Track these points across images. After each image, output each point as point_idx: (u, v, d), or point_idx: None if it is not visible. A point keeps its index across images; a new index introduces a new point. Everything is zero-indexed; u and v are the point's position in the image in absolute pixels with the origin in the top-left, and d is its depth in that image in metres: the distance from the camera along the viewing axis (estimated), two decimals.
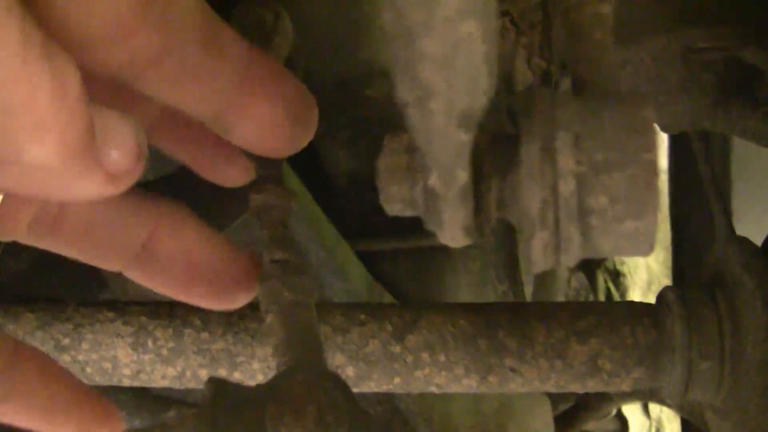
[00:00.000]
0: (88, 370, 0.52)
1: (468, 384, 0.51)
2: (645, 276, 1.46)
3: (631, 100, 0.32)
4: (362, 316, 0.51)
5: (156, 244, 0.41)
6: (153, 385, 0.51)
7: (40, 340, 0.51)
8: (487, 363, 0.50)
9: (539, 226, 0.31)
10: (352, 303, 0.53)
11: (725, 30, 0.55)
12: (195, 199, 0.44)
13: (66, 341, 0.51)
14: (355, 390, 0.35)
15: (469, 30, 0.25)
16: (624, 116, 0.31)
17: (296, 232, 0.71)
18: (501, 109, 0.60)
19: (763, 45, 0.54)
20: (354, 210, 0.79)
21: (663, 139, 1.00)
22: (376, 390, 0.51)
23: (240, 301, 0.42)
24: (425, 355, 0.50)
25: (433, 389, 0.51)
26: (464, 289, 0.83)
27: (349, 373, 0.50)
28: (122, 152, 0.32)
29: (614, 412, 1.17)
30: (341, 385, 0.34)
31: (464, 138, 0.29)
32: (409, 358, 0.50)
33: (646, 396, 0.83)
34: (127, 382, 0.52)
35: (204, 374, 0.50)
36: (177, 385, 0.51)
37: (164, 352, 0.50)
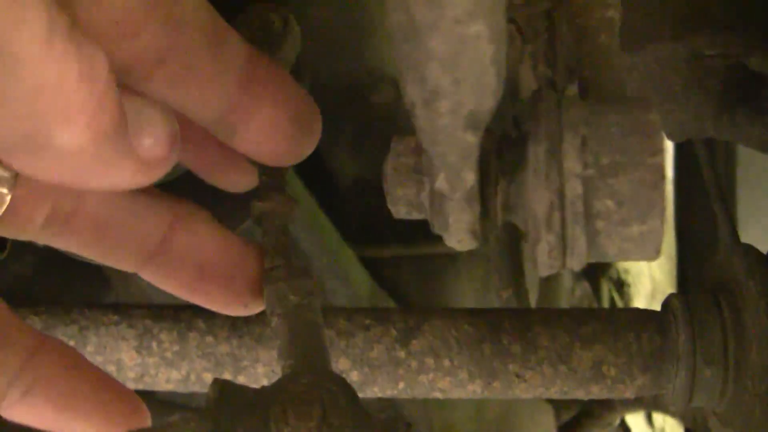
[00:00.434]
0: None
1: (472, 389, 0.51)
2: (649, 285, 1.46)
3: (638, 103, 0.32)
4: (367, 321, 0.51)
5: (171, 244, 0.40)
6: (157, 388, 0.51)
7: None
8: (492, 368, 0.50)
9: (545, 229, 0.31)
10: (357, 308, 0.53)
11: (731, 37, 0.55)
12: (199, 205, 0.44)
13: (71, 344, 0.51)
14: (359, 395, 0.35)
15: (477, 31, 0.25)
16: (630, 119, 0.31)
17: (300, 237, 0.71)
18: (506, 116, 0.60)
19: None
20: (358, 216, 0.79)
21: (668, 148, 1.00)
22: (380, 395, 0.51)
23: (252, 307, 0.42)
24: (430, 360, 0.50)
25: (437, 394, 0.51)
26: (468, 295, 0.83)
27: (353, 377, 0.50)
28: (155, 140, 0.32)
29: (618, 421, 1.17)
30: (346, 388, 0.34)
31: (471, 139, 0.29)
32: (414, 363, 0.50)
33: (649, 405, 0.83)
34: (131, 385, 0.52)
35: (208, 378, 0.50)
36: (181, 389, 0.51)
37: (169, 355, 0.50)
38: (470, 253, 0.81)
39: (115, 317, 0.51)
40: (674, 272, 1.31)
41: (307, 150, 0.40)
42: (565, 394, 0.51)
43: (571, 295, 1.17)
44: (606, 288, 1.39)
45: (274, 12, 0.43)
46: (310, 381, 0.33)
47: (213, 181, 0.43)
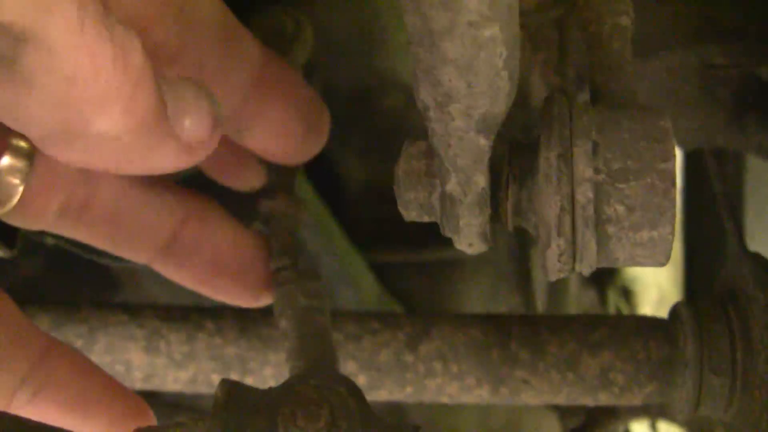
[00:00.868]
0: None
1: (479, 395, 0.51)
2: (656, 294, 1.46)
3: (649, 109, 0.32)
4: (375, 325, 0.51)
5: (183, 237, 0.41)
6: (165, 389, 0.51)
7: None
8: (499, 374, 0.50)
9: (556, 234, 0.32)
10: (365, 311, 0.53)
11: (742, 47, 0.55)
12: None
13: (79, 343, 0.51)
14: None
15: (491, 35, 0.25)
16: (642, 125, 0.31)
17: (308, 241, 0.71)
18: (516, 123, 0.61)
19: None
20: (366, 221, 0.79)
21: (678, 157, 1.00)
22: (387, 398, 0.51)
23: (263, 298, 0.42)
24: (437, 365, 0.50)
25: (445, 399, 0.51)
26: (476, 301, 0.83)
27: (360, 381, 0.50)
28: (197, 121, 0.32)
29: (622, 430, 1.17)
30: (354, 390, 0.34)
31: (483, 143, 0.29)
32: (421, 368, 0.50)
33: (654, 413, 0.82)
34: (139, 386, 0.52)
35: (216, 379, 0.50)
36: (189, 390, 0.51)
37: (177, 356, 0.50)
38: (478, 259, 0.81)
39: (124, 317, 0.51)
40: (681, 280, 1.30)
41: (315, 149, 0.40)
42: (573, 401, 0.51)
43: (578, 302, 1.17)
44: (613, 296, 1.38)
45: (288, 15, 0.44)
46: (319, 383, 0.33)
47: (222, 180, 0.43)
